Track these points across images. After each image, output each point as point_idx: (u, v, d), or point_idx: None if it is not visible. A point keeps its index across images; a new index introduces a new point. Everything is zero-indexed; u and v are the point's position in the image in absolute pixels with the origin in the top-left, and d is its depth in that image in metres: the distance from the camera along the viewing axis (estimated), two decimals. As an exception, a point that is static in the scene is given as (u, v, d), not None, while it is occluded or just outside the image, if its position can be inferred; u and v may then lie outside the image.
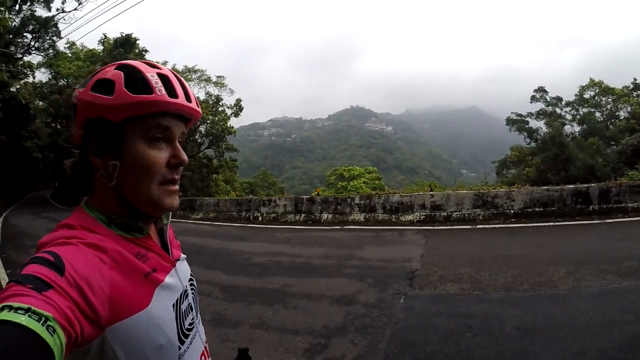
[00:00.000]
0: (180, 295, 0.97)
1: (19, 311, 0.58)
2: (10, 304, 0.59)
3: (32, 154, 37.49)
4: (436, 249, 7.54)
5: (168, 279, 0.93)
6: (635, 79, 37.89)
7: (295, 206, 13.70)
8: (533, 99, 41.02)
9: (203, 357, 1.03)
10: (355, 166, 65.68)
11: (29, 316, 0.58)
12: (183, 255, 1.09)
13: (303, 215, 13.27)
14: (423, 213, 10.71)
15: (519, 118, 41.19)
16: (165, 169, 0.89)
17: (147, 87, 0.84)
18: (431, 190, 11.97)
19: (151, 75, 0.86)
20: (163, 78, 0.88)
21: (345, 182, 51.16)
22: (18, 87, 31.74)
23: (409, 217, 10.84)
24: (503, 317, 4.18)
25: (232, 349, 3.85)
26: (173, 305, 0.92)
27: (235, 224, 13.89)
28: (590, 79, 39.65)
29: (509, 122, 41.63)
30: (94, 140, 0.87)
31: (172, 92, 0.87)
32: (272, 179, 69.50)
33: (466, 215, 10.08)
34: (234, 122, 37.89)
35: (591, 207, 9.11)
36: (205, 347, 1.06)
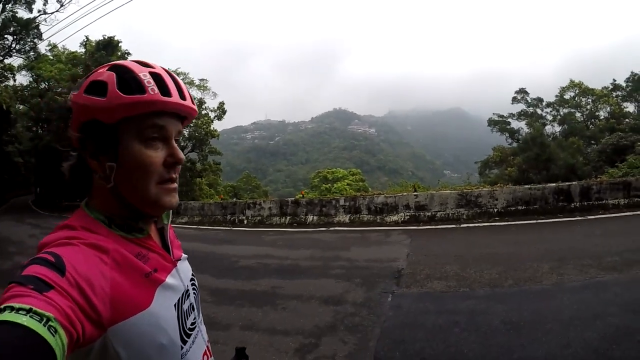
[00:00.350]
0: (182, 295, 0.97)
1: (20, 312, 0.58)
2: (12, 304, 0.59)
3: (13, 159, 37.01)
4: (421, 248, 7.63)
5: (169, 279, 0.94)
6: (614, 80, 38.80)
7: (280, 209, 13.68)
8: (514, 100, 41.91)
9: (205, 356, 1.03)
10: (339, 168, 65.75)
11: (30, 317, 0.58)
12: (184, 255, 1.10)
13: (288, 217, 13.26)
14: (407, 213, 10.82)
15: (501, 119, 41.99)
16: (162, 169, 0.89)
17: (140, 87, 0.84)
18: (415, 191, 12.08)
19: (143, 75, 0.86)
20: (156, 77, 0.87)
21: (329, 184, 51.16)
22: None
23: (394, 218, 10.93)
24: (490, 313, 4.26)
25: (224, 352, 3.85)
26: (175, 305, 0.92)
27: (221, 228, 13.81)
28: (571, 80, 40.74)
29: (491, 123, 42.42)
30: (90, 143, 0.87)
31: (165, 90, 0.87)
32: (256, 182, 69.21)
33: (450, 214, 10.21)
34: (217, 126, 37.87)
35: (573, 204, 9.32)
36: (207, 347, 1.06)
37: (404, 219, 10.74)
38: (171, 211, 1.04)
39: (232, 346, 1.24)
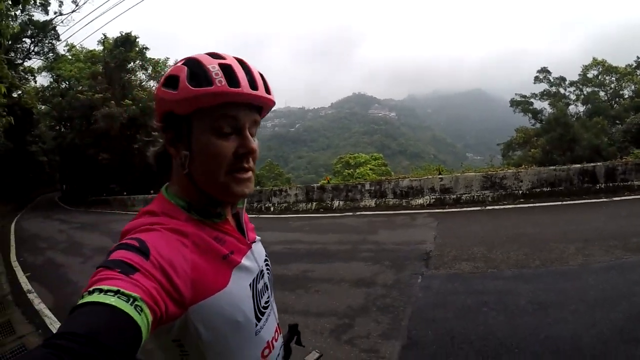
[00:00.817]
0: (257, 275, 1.02)
1: (108, 293, 0.62)
2: (101, 287, 0.64)
3: (38, 158, 37.75)
4: (448, 230, 7.69)
5: (245, 260, 0.98)
6: (638, 57, 37.44)
7: (306, 195, 13.82)
8: (536, 79, 40.60)
9: (277, 332, 1.09)
10: (361, 153, 65.27)
11: (118, 297, 0.62)
12: (258, 237, 1.15)
13: (315, 203, 13.39)
14: (433, 196, 10.87)
15: (523, 99, 40.78)
16: (233, 158, 0.91)
17: (208, 79, 0.86)
18: (440, 174, 12.03)
19: (212, 67, 0.88)
20: (225, 68, 0.89)
21: (352, 170, 50.96)
22: (20, 92, 31.91)
23: (419, 201, 11.00)
24: (517, 293, 4.33)
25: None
26: (250, 285, 0.96)
27: (248, 215, 13.92)
28: (594, 58, 39.20)
29: (513, 103, 41.33)
30: (168, 132, 0.94)
31: (234, 81, 0.88)
32: (279, 170, 69.14)
33: (475, 197, 10.23)
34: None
35: (598, 185, 9.22)
36: (278, 324, 1.12)
37: (430, 202, 10.81)
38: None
39: (287, 324, 1.37)
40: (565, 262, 5.10)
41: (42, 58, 33.80)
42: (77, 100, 32.13)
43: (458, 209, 9.73)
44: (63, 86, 37.34)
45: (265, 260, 1.13)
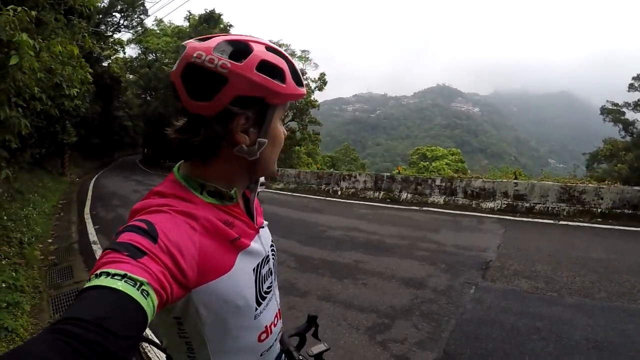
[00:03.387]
0: (262, 260, 1.03)
1: (115, 277, 0.63)
2: (108, 270, 0.64)
3: (123, 122, 40.74)
4: (514, 240, 7.21)
5: (252, 245, 0.99)
6: None
7: (375, 183, 13.64)
8: (631, 87, 36.52)
9: (276, 318, 1.11)
10: (439, 147, 63.91)
11: (125, 282, 0.62)
12: (265, 222, 1.15)
13: (382, 192, 13.19)
14: (505, 202, 10.25)
15: (615, 108, 36.80)
16: None
17: (300, 81, 0.96)
18: (516, 178, 11.36)
19: (299, 69, 0.96)
20: (298, 70, 0.97)
21: (427, 163, 50.17)
22: (109, 62, 34.28)
23: (490, 205, 10.43)
24: (574, 325, 3.95)
25: (297, 317, 4.06)
26: (253, 270, 0.98)
27: (314, 197, 14.07)
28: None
29: (604, 111, 37.50)
30: (244, 117, 0.90)
31: (301, 82, 0.97)
32: (354, 155, 69.40)
33: (550, 208, 9.48)
34: (318, 96, 38.15)
35: (690, 216, 8.12)
36: (278, 310, 1.14)
37: (500, 207, 10.19)
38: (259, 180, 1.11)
39: (307, 314, 1.31)
40: (634, 299, 4.54)
41: (130, 31, 36.16)
42: (162, 72, 33.76)
43: (529, 219, 9.09)
44: (150, 58, 39.40)
45: (272, 245, 1.15)
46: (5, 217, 8.09)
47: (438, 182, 12.07)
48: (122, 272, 0.64)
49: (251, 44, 0.90)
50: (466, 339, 3.76)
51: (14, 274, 5.58)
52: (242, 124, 0.90)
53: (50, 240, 8.53)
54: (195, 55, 0.86)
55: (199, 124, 0.89)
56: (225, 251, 0.90)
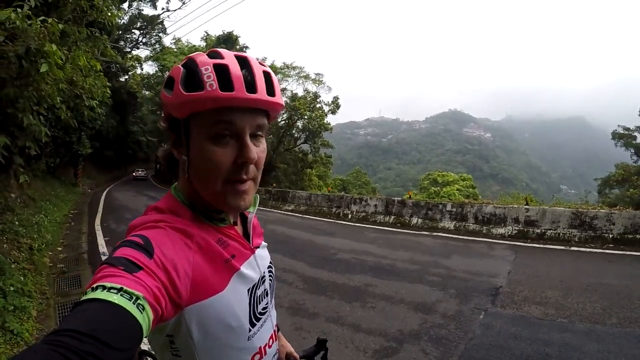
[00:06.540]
0: (258, 281, 1.00)
1: (112, 290, 0.63)
2: (104, 283, 0.64)
3: (137, 137, 41.59)
4: (525, 267, 7.13)
5: (246, 266, 0.96)
6: None
7: (385, 207, 13.63)
8: None
9: (271, 339, 1.06)
10: (450, 172, 63.82)
11: (121, 295, 0.62)
12: (264, 243, 1.13)
13: (393, 217, 13.16)
14: (516, 228, 10.15)
15: (627, 132, 36.48)
16: (231, 167, 0.87)
17: (199, 83, 0.82)
18: (527, 204, 11.25)
19: (205, 69, 0.83)
20: (220, 69, 0.83)
21: (438, 188, 49.96)
22: (127, 77, 35.14)
23: (501, 231, 10.34)
24: (584, 351, 3.87)
25: (305, 338, 4.03)
26: (248, 290, 0.95)
27: (325, 219, 14.08)
28: None
29: (615, 136, 37.12)
30: (172, 135, 0.92)
31: (227, 84, 0.82)
32: (365, 179, 69.43)
33: (561, 234, 9.35)
34: (331, 119, 38.26)
35: None
36: (274, 331, 1.10)
37: (511, 233, 10.10)
38: (258, 199, 1.05)
39: (315, 335, 1.32)
40: (648, 325, 4.46)
41: (149, 48, 37.36)
42: (177, 90, 34.65)
43: (540, 245, 8.97)
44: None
45: (269, 266, 1.11)
46: (17, 223, 8.22)
47: (449, 207, 12.02)
48: (118, 286, 0.64)
49: (178, 64, 0.89)
50: (475, 365, 3.69)
51: (22, 278, 5.64)
52: (172, 141, 0.92)
53: (59, 249, 8.65)
54: None
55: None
56: (219, 270, 0.89)
